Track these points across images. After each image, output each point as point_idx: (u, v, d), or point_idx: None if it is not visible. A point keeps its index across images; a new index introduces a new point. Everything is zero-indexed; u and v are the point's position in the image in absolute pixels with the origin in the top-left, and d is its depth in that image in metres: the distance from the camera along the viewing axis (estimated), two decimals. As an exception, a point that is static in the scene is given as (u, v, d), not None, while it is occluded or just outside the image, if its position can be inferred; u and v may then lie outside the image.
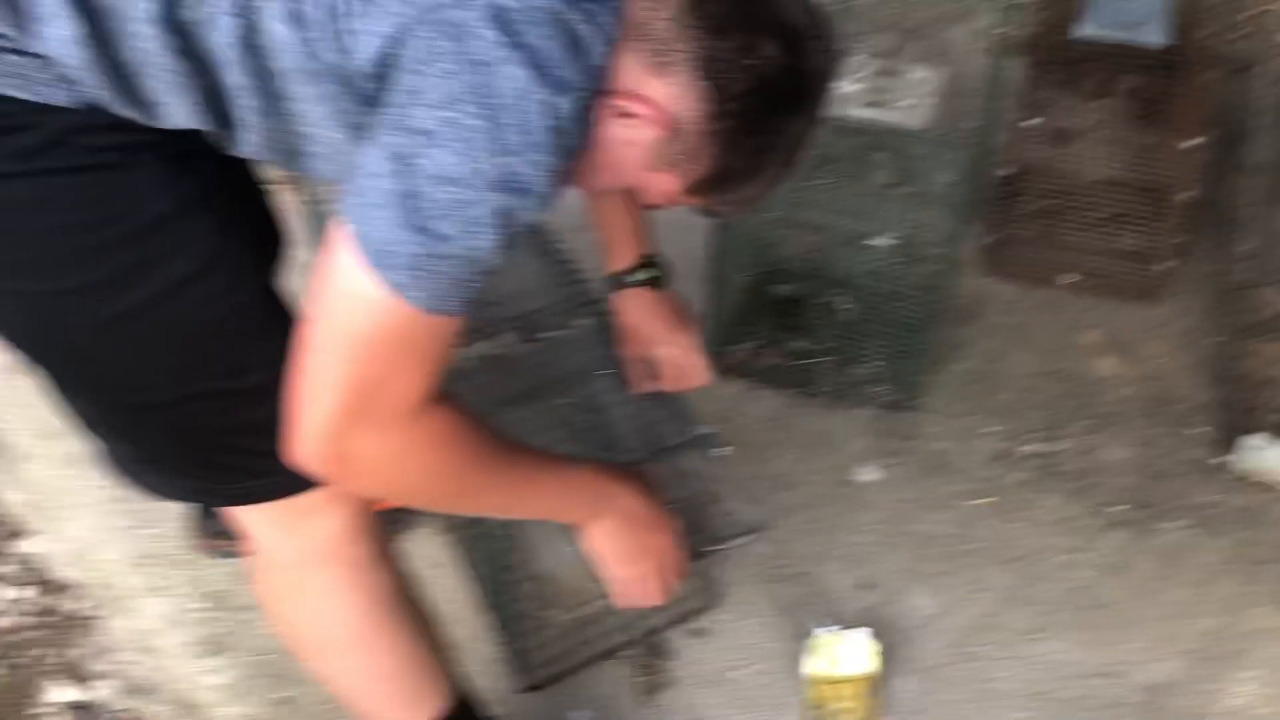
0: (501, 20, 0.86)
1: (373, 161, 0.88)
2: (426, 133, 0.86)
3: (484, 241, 0.89)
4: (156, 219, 0.98)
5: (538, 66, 0.86)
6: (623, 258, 1.46)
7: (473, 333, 1.71)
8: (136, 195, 0.97)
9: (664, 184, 1.03)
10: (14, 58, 0.89)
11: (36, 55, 0.89)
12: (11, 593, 1.84)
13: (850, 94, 2.11)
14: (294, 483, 1.00)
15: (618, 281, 1.48)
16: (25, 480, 1.99)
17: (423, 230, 0.87)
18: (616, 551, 1.26)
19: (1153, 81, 2.20)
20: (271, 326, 1.07)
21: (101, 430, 1.14)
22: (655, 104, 0.95)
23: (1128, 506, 1.91)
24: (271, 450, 1.00)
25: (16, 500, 1.96)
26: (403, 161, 0.86)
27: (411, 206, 0.86)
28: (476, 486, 1.08)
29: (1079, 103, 2.29)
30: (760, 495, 1.90)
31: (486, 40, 0.86)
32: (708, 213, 1.11)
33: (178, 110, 0.94)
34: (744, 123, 0.97)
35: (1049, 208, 2.26)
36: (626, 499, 1.24)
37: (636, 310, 1.49)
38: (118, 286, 0.99)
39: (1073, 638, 1.72)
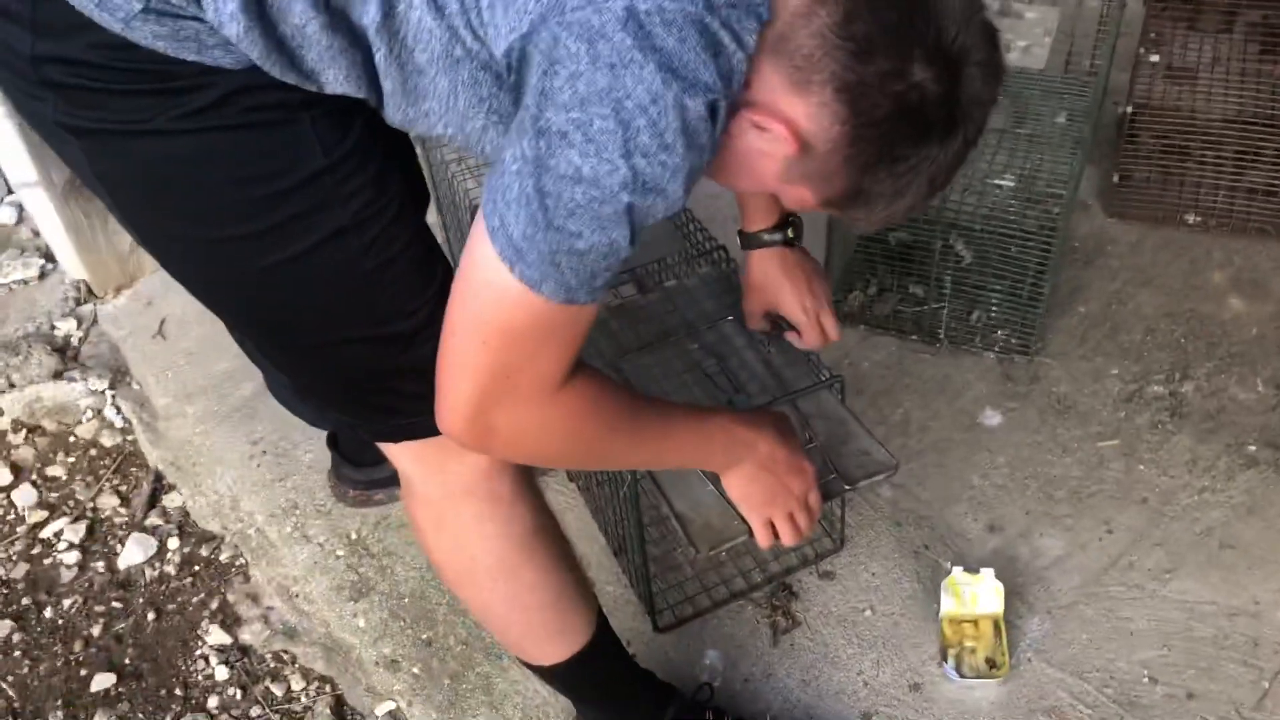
0: (635, 23, 0.86)
1: (509, 160, 0.91)
2: (559, 134, 0.88)
3: (615, 237, 0.91)
4: (316, 173, 1.02)
5: (670, 69, 0.86)
6: (759, 217, 1.47)
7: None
8: (297, 151, 1.01)
9: (799, 195, 1.02)
10: (189, 23, 0.93)
11: (207, 22, 0.93)
12: (158, 545, 1.93)
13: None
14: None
15: (754, 240, 1.49)
16: (167, 438, 2.08)
17: (555, 228, 0.90)
18: (755, 495, 1.29)
19: (1275, 13, 2.14)
20: (421, 277, 1.11)
21: (262, 362, 1.19)
22: (790, 121, 0.93)
23: (1260, 446, 1.87)
24: (418, 392, 1.05)
25: (160, 457, 2.05)
26: (536, 162, 0.89)
27: (544, 205, 0.89)
28: (617, 449, 1.13)
29: (1200, 38, 2.23)
30: (883, 440, 1.90)
31: (619, 43, 0.86)
32: (848, 222, 1.10)
33: (335, 80, 0.98)
34: (884, 148, 0.94)
35: (1172, 146, 2.22)
36: (764, 444, 1.26)
37: (770, 268, 1.50)
38: (278, 236, 1.04)
39: (1206, 578, 1.70)
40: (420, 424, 1.13)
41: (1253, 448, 1.87)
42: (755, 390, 1.55)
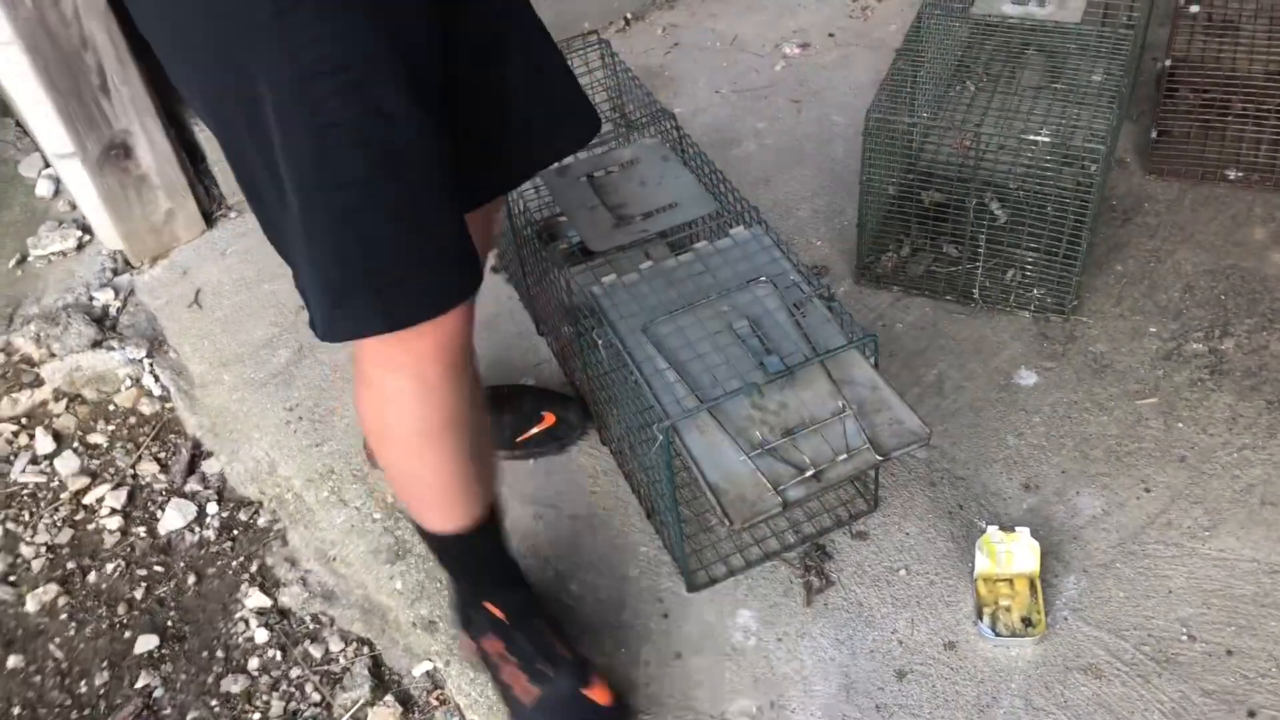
0: None
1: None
2: None
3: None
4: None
5: None
6: None
7: (630, 247, 1.74)
8: None
9: None
10: None
11: None
12: (197, 510, 1.95)
13: (999, -9, 2.05)
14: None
15: None
16: (205, 405, 2.10)
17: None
18: None
19: (1321, -38, 2.10)
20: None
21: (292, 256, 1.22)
22: None
23: (1302, 404, 1.85)
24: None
25: (197, 424, 2.07)
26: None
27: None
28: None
29: (1241, -11, 2.19)
30: (917, 401, 1.89)
31: None
32: None
33: None
34: None
35: (1212, 100, 2.18)
36: None
37: None
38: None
39: (1247, 535, 1.68)
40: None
41: (1294, 405, 1.85)
42: (787, 351, 1.54)
